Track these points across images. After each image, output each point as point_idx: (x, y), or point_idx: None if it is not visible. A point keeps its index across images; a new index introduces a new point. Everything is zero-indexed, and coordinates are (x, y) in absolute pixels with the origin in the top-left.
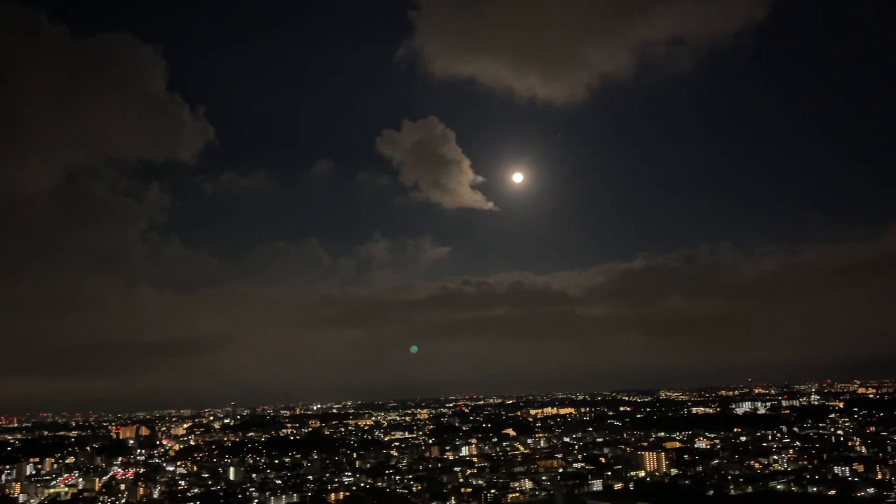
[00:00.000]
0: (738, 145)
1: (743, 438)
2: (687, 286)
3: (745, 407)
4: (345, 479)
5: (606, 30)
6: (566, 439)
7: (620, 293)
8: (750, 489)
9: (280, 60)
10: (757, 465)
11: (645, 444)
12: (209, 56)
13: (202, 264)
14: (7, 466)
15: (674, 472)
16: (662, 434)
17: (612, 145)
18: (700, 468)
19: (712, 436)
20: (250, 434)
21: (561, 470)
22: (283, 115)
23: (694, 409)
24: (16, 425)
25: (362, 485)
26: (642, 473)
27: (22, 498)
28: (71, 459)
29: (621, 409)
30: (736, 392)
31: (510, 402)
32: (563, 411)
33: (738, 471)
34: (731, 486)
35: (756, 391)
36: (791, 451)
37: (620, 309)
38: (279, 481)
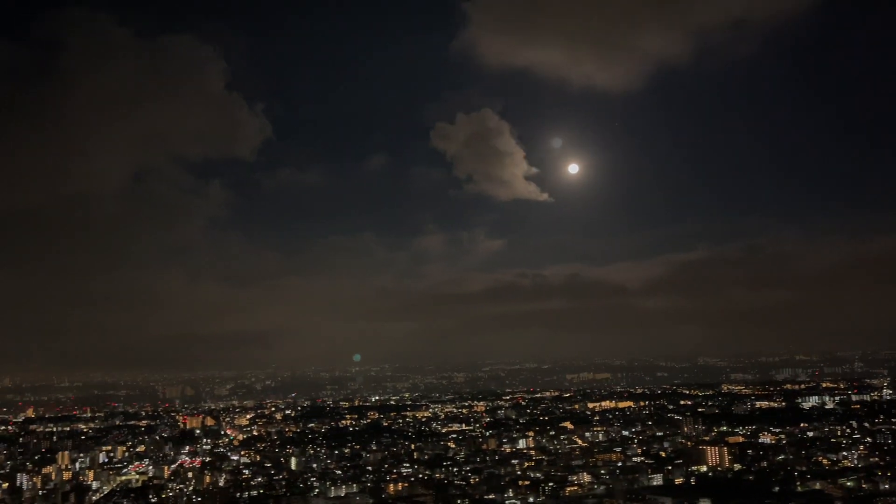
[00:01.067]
0: (801, 130)
1: (810, 434)
2: (750, 276)
3: (812, 401)
4: (403, 470)
5: (664, 15)
6: (625, 433)
7: (680, 284)
8: (818, 486)
9: (335, 56)
10: (825, 462)
11: (706, 438)
12: (266, 54)
13: (261, 258)
14: (81, 454)
15: (737, 467)
16: (725, 428)
17: (671, 133)
18: (765, 463)
19: (777, 431)
20: (311, 425)
21: (620, 464)
22: (338, 110)
23: (758, 403)
24: (89, 415)
25: (420, 476)
26: (704, 468)
27: (95, 485)
28: (141, 448)
29: (682, 402)
30: (802, 386)
31: (567, 395)
32: (621, 405)
33: (805, 467)
34: (798, 483)
35: (824, 385)
36: (861, 447)
37: (680, 300)
38: (339, 471)
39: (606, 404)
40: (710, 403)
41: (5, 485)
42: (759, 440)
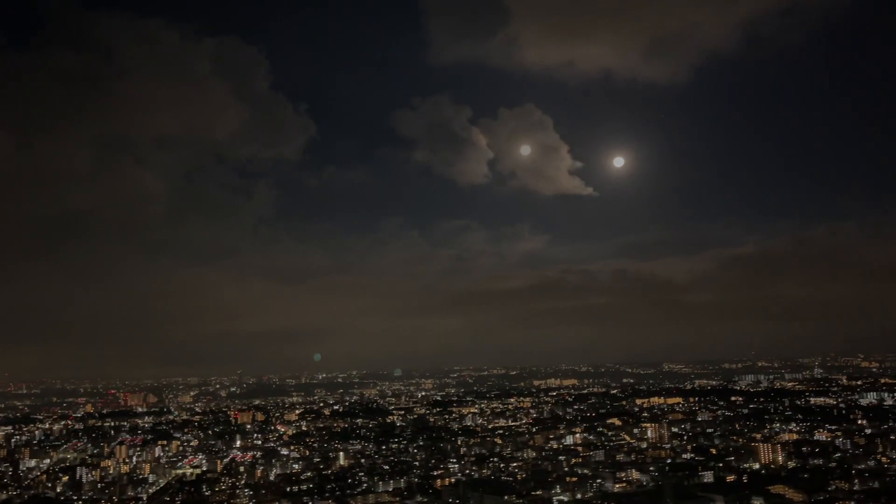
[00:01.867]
0: (853, 120)
1: (868, 431)
2: (802, 270)
3: (871, 398)
4: (450, 465)
5: (712, 6)
6: (674, 429)
7: (730, 279)
8: (877, 484)
9: (375, 55)
10: (885, 460)
11: (758, 435)
12: (309, 54)
13: (307, 256)
14: (138, 449)
15: (791, 464)
16: (778, 425)
17: (719, 125)
18: (820, 461)
19: (833, 427)
20: (358, 420)
21: (669, 460)
22: (380, 108)
23: (812, 400)
24: (144, 409)
25: (467, 472)
26: (756, 465)
27: (151, 478)
28: (195, 442)
29: (732, 398)
30: (859, 381)
31: (614, 391)
32: (670, 401)
33: (863, 465)
34: (857, 481)
35: (759, 364)
36: (793, 422)
37: (730, 295)
38: (386, 466)
39: (655, 400)
40: (761, 399)
41: (65, 478)
42: (815, 437)
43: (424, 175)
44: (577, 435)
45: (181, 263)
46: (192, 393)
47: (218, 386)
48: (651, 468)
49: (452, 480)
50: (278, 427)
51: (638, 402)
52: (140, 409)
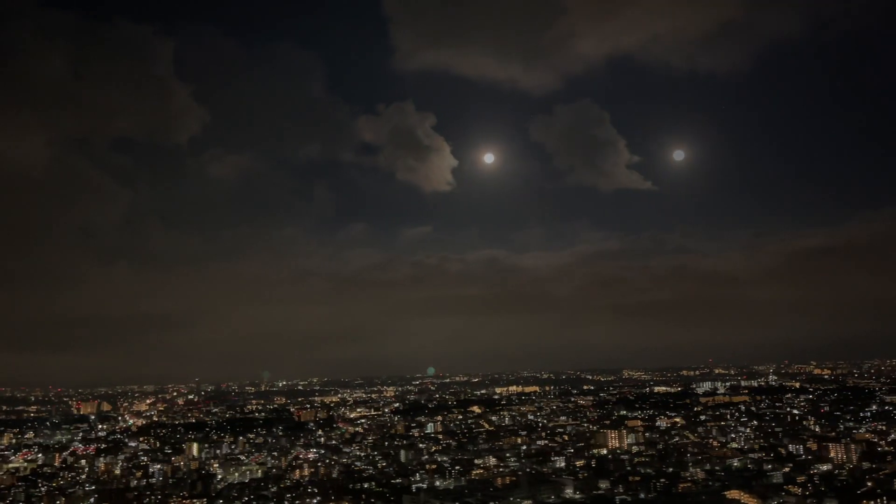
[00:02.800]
0: (711, 133)
1: (703, 417)
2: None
3: (706, 386)
4: (310, 454)
5: None
6: (531, 417)
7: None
8: (708, 467)
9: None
10: (716, 444)
11: (607, 422)
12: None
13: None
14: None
15: (635, 449)
16: (625, 412)
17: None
18: (661, 446)
19: (674, 415)
20: (214, 410)
21: (524, 447)
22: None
23: (656, 389)
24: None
25: (327, 461)
26: (604, 451)
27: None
28: (30, 434)
29: (585, 387)
30: (697, 372)
31: (476, 380)
32: (528, 389)
33: (697, 449)
34: (691, 465)
35: (717, 371)
36: (748, 429)
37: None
38: (242, 457)
39: (514, 389)
40: (611, 388)
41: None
42: (657, 424)
43: (388, 181)
44: (438, 423)
45: (138, 269)
46: (147, 401)
47: (175, 393)
48: (507, 455)
49: (312, 470)
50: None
51: (498, 390)
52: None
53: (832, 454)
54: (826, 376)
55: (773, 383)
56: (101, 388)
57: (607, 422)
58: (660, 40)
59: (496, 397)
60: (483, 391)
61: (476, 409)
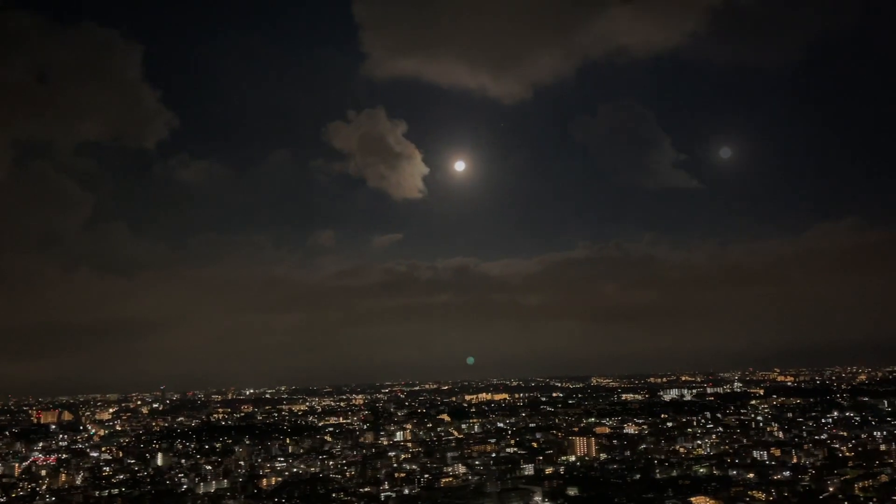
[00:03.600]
0: (676, 143)
1: (669, 424)
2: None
3: (673, 394)
4: (277, 464)
5: None
6: (500, 424)
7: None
8: (675, 473)
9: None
10: (682, 450)
11: (576, 429)
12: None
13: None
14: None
15: (603, 456)
16: (593, 419)
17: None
18: (628, 453)
19: (641, 421)
20: (180, 419)
21: (494, 455)
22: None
23: (624, 396)
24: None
25: (295, 470)
26: (573, 458)
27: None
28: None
29: (554, 394)
30: (664, 379)
31: (446, 387)
32: (497, 397)
33: (664, 455)
34: (657, 471)
35: (683, 378)
36: (714, 436)
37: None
38: (209, 467)
39: (483, 396)
40: (579, 395)
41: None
42: (624, 430)
43: (358, 188)
44: (408, 431)
45: (102, 275)
46: (111, 410)
47: (139, 402)
48: (476, 462)
49: (279, 480)
50: (89, 427)
51: (467, 398)
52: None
53: (795, 460)
54: (789, 383)
55: (738, 390)
56: (62, 397)
57: (576, 429)
58: (624, 53)
59: (465, 405)
60: (453, 398)
61: (445, 417)
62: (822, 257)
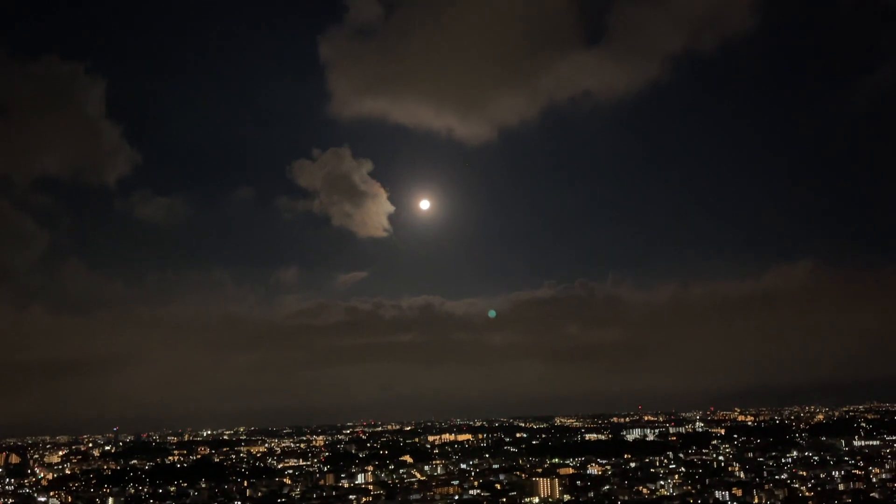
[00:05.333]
0: (639, 188)
1: (633, 465)
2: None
3: (636, 433)
4: None
5: None
6: (463, 466)
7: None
8: None
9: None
10: (645, 491)
11: (539, 470)
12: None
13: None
14: None
15: (566, 497)
16: (557, 460)
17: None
18: (592, 494)
19: (604, 462)
20: (133, 462)
21: (457, 497)
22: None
23: (587, 436)
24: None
25: None
26: (536, 500)
27: None
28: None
29: (518, 435)
30: (627, 419)
31: (408, 428)
32: (461, 437)
33: (627, 496)
34: None
35: (646, 418)
36: (676, 476)
37: (521, 337)
38: None
39: (447, 437)
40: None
41: None
42: (588, 471)
43: (322, 226)
44: (369, 473)
45: (55, 312)
46: (60, 452)
47: (91, 444)
48: None
49: None
50: (37, 470)
51: (430, 438)
52: None
53: (756, 500)
54: (750, 423)
55: (700, 430)
56: (9, 440)
57: (539, 470)
58: (588, 97)
59: (428, 446)
60: (416, 439)
61: (408, 458)
62: (779, 298)
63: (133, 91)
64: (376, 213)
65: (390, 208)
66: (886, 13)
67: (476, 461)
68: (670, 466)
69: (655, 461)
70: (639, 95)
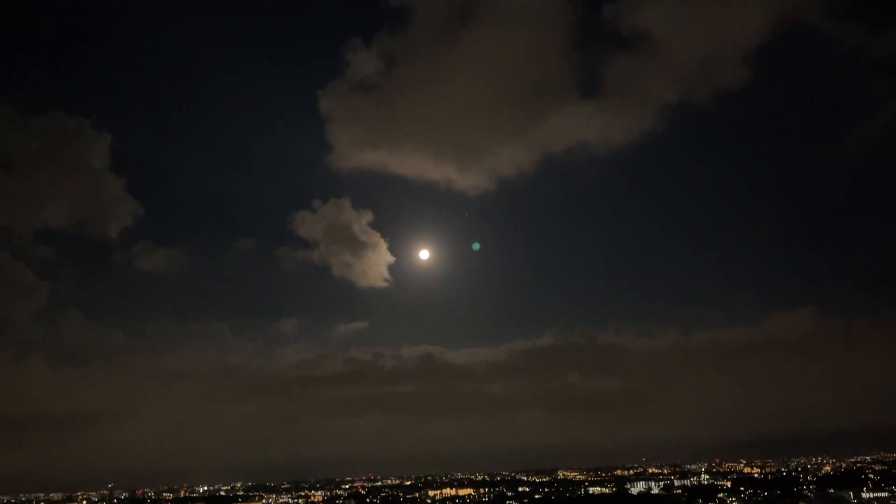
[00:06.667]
0: (636, 235)
1: None
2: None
3: (640, 486)
4: None
5: None
6: None
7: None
8: None
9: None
10: None
11: None
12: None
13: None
14: None
15: None
16: None
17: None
18: None
19: None
20: None
21: None
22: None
23: (591, 489)
24: None
25: None
26: None
27: None
28: None
29: (520, 489)
30: (631, 472)
31: (409, 483)
32: (462, 492)
33: None
34: None
35: (650, 470)
36: None
37: (522, 386)
38: None
39: (448, 492)
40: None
41: None
42: None
43: (322, 277)
44: None
45: (53, 365)
46: None
47: (85, 502)
48: None
49: None
50: None
51: (431, 493)
52: None
53: None
54: (756, 475)
55: (706, 482)
56: (2, 497)
57: None
58: (587, 147)
59: (429, 501)
60: (416, 494)
61: None
62: (781, 346)
63: (137, 144)
64: (376, 264)
65: (390, 258)
66: (879, 63)
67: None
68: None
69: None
70: (634, 146)
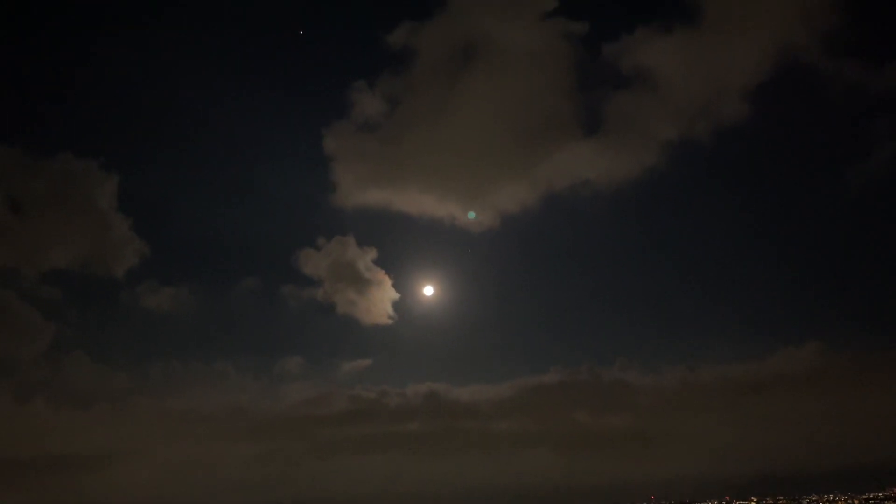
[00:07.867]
0: (641, 271)
1: None
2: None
3: None
4: None
5: None
6: None
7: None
8: None
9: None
10: None
11: None
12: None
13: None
14: None
15: None
16: None
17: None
18: None
19: None
20: None
21: None
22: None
23: None
24: None
25: None
26: None
27: None
28: None
29: None
30: None
31: None
32: None
33: None
34: None
35: None
36: None
37: (528, 423)
38: None
39: None
40: None
41: None
42: None
43: (327, 314)
44: None
45: (57, 406)
46: None
47: None
48: None
49: None
50: None
51: None
52: None
53: None
54: None
55: None
56: None
57: None
58: (590, 184)
59: None
60: None
61: None
62: (788, 381)
63: (144, 184)
64: (381, 301)
65: (395, 295)
66: (878, 100)
67: None
68: None
69: None
70: (637, 182)
